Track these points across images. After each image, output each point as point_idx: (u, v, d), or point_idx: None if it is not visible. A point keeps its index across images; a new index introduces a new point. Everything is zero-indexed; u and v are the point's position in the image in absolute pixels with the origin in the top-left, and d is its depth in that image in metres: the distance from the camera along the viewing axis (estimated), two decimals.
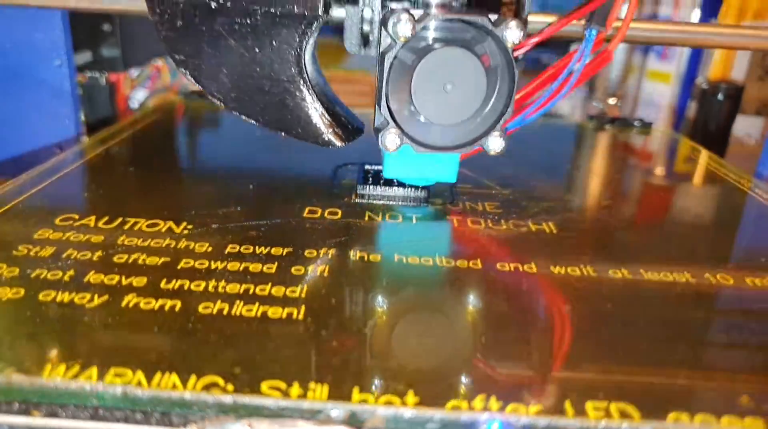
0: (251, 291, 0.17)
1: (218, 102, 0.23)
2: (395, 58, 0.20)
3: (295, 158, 0.29)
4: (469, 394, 0.14)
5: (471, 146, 0.21)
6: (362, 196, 0.25)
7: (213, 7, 0.21)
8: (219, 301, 0.16)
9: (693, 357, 0.16)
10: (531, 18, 0.30)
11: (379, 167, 0.27)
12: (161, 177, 0.26)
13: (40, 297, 0.16)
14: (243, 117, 0.23)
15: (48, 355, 0.14)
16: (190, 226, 0.21)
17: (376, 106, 0.21)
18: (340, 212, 0.23)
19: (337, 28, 0.24)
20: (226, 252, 0.19)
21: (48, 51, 0.33)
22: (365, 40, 0.26)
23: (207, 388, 0.13)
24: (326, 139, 0.23)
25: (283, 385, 0.13)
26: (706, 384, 0.15)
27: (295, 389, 0.13)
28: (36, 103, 0.34)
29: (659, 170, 0.33)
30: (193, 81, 0.22)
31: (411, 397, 0.13)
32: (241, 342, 0.15)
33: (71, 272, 0.17)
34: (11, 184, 0.24)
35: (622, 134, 0.39)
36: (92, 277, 0.17)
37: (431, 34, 0.20)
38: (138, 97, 0.53)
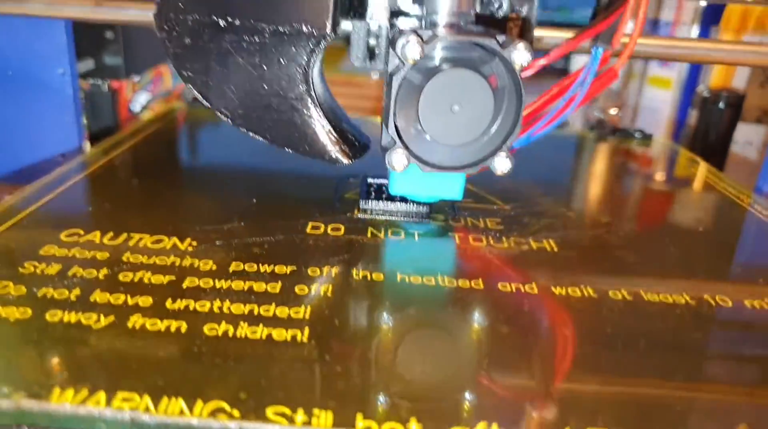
0: (256, 312, 0.17)
1: (226, 119, 0.23)
2: (404, 79, 0.20)
3: (297, 166, 0.29)
4: (471, 421, 0.14)
5: (478, 166, 0.22)
6: (364, 211, 0.25)
7: (221, 25, 0.21)
8: (224, 322, 0.17)
9: (692, 383, 0.16)
10: (537, 32, 0.30)
11: (382, 181, 0.27)
12: (164, 189, 0.26)
13: (47, 317, 0.16)
14: (250, 134, 0.23)
15: (56, 378, 0.14)
16: (194, 243, 0.21)
17: (383, 126, 0.21)
18: (342, 228, 0.23)
19: None
20: (230, 270, 0.19)
21: (51, 59, 0.33)
22: (371, 53, 0.27)
23: (213, 413, 0.13)
24: (333, 156, 0.23)
25: (288, 411, 0.14)
26: (706, 410, 0.15)
27: (300, 415, 0.13)
28: (39, 111, 0.35)
29: (659, 185, 0.33)
30: (201, 98, 0.22)
31: (414, 424, 0.13)
32: (247, 365, 0.15)
33: (77, 291, 0.18)
34: (16, 197, 0.24)
35: (623, 146, 0.39)
36: (98, 296, 0.17)
37: (439, 54, 0.21)
38: (140, 100, 0.53)
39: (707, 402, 0.16)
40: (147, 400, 0.14)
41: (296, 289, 0.19)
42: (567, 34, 0.30)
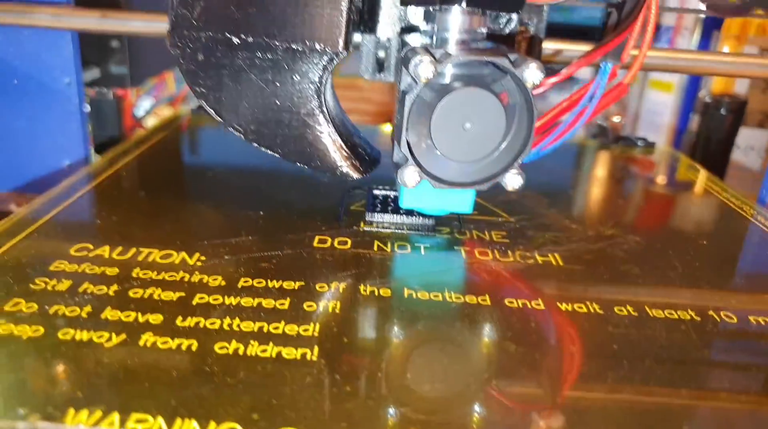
0: (265, 329, 0.17)
1: (238, 134, 0.23)
2: (417, 97, 0.20)
3: (303, 172, 0.29)
4: None
5: (489, 183, 0.22)
6: (370, 224, 0.25)
7: (235, 42, 0.21)
8: (234, 341, 0.17)
9: (698, 401, 0.16)
10: (550, 44, 0.30)
11: (387, 193, 0.27)
12: (171, 200, 0.27)
13: (59, 335, 0.17)
14: (262, 149, 0.23)
15: (70, 399, 0.14)
16: (203, 258, 0.21)
17: (395, 142, 0.21)
18: (349, 242, 0.23)
19: None
20: (239, 286, 0.20)
21: (57, 69, 0.34)
22: (380, 66, 0.27)
23: None
24: (344, 171, 0.23)
25: None
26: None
27: None
28: (45, 120, 0.35)
29: (662, 197, 0.33)
30: (214, 113, 0.23)
31: None
32: (258, 385, 0.15)
33: (88, 308, 0.18)
34: (25, 210, 0.24)
35: (626, 155, 0.39)
36: (109, 313, 0.18)
37: (450, 71, 0.21)
38: (144, 105, 0.53)
39: (714, 420, 0.16)
40: (161, 421, 0.14)
41: (305, 306, 0.19)
42: (579, 46, 0.30)
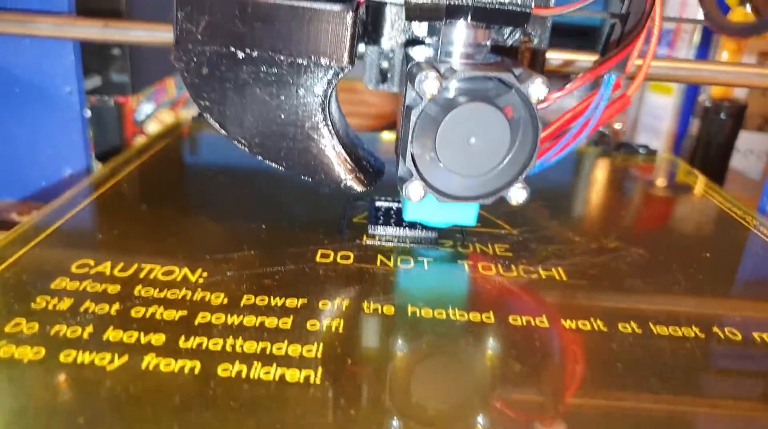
0: (268, 350, 0.17)
1: (242, 147, 0.23)
2: (422, 112, 0.20)
3: (306, 183, 0.29)
4: None
5: (493, 197, 0.22)
6: (373, 237, 0.25)
7: (239, 56, 0.21)
8: (237, 362, 0.17)
9: (704, 424, 0.16)
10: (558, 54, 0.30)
11: (390, 204, 0.27)
12: (173, 212, 0.26)
13: (61, 358, 0.16)
14: (266, 161, 0.23)
15: (72, 425, 0.14)
16: (204, 274, 0.21)
17: (400, 157, 0.21)
18: (352, 256, 0.23)
19: None
20: (241, 304, 0.19)
21: (59, 78, 0.34)
22: (384, 76, 0.27)
23: None
24: (348, 184, 0.23)
25: None
26: None
27: None
28: (46, 128, 0.35)
29: (665, 207, 0.33)
30: (218, 126, 0.23)
31: None
32: (262, 410, 0.15)
33: (90, 328, 0.18)
34: (26, 225, 0.24)
35: (627, 163, 0.39)
36: (111, 334, 0.18)
37: (455, 85, 0.21)
38: (145, 110, 0.53)
39: None
40: None
41: (308, 325, 0.19)
42: (583, 56, 0.30)
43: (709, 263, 0.25)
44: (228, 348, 0.17)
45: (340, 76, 0.22)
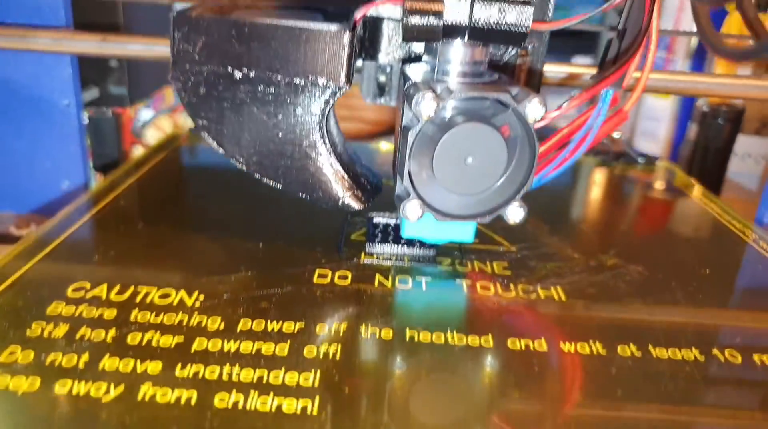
0: (265, 379, 0.17)
1: (240, 165, 0.23)
2: (419, 132, 0.20)
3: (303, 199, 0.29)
4: None
5: (491, 216, 0.22)
6: (371, 255, 0.25)
7: (236, 76, 0.21)
8: (234, 392, 0.17)
9: None
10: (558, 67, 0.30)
11: (388, 220, 0.27)
12: (169, 230, 0.26)
13: (56, 388, 0.16)
14: (264, 180, 0.23)
15: None
16: (201, 297, 0.21)
17: (398, 177, 0.21)
18: (350, 276, 0.23)
19: None
20: (238, 329, 0.19)
21: (57, 91, 0.33)
22: (381, 90, 0.27)
23: None
24: (346, 202, 0.23)
25: None
26: None
27: None
28: (44, 141, 0.35)
29: (663, 221, 0.33)
30: (216, 145, 0.23)
31: None
32: None
33: (86, 357, 0.18)
34: (21, 246, 0.24)
35: (626, 174, 0.39)
36: (107, 362, 0.17)
37: (452, 104, 0.21)
38: (143, 117, 0.53)
39: None
40: None
41: (305, 351, 0.19)
42: (581, 69, 0.30)
43: (709, 281, 0.25)
44: (224, 376, 0.17)
45: (337, 95, 0.22)
